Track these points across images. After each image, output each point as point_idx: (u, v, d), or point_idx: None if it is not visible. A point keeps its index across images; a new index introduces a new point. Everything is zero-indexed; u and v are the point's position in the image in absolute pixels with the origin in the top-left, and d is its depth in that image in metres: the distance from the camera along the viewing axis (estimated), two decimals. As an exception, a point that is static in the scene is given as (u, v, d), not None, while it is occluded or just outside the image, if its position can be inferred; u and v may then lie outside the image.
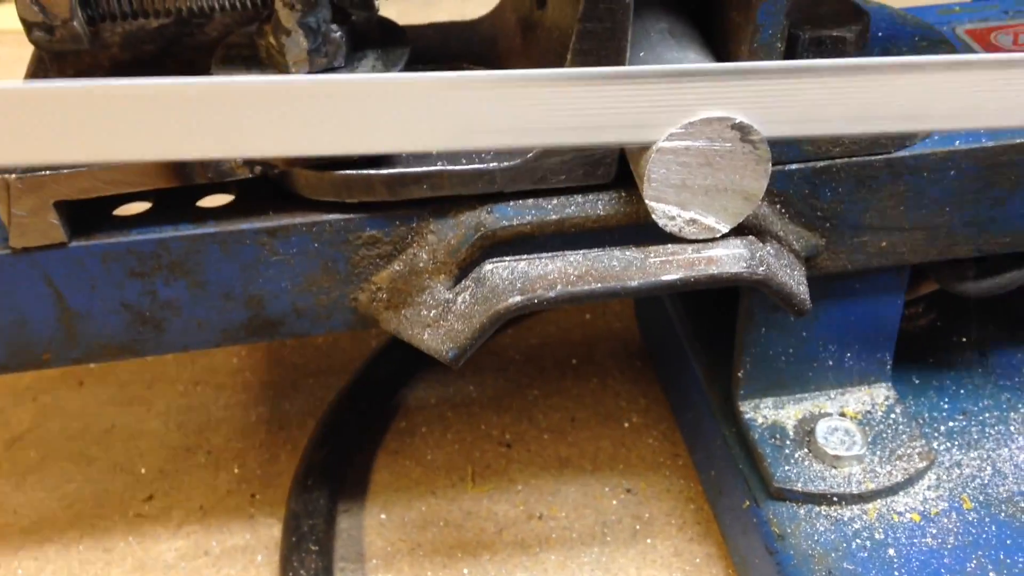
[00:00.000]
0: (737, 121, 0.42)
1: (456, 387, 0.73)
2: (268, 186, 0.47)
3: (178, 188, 0.45)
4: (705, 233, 0.45)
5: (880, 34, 0.53)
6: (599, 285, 0.44)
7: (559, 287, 0.43)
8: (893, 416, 0.58)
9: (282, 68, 0.46)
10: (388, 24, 0.50)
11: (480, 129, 0.40)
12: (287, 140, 0.38)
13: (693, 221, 0.45)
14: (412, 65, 0.50)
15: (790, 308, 0.46)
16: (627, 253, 0.45)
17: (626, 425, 0.70)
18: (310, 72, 0.46)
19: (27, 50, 0.45)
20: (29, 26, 0.43)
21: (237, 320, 0.48)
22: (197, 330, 0.48)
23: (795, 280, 0.46)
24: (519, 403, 0.71)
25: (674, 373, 0.69)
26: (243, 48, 0.48)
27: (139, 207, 0.47)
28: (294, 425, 0.69)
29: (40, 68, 0.48)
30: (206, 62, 0.48)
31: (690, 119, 0.42)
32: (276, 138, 0.38)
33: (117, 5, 0.44)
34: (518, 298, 0.43)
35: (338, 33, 0.46)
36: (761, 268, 0.45)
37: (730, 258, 0.44)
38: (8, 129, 0.36)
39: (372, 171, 0.45)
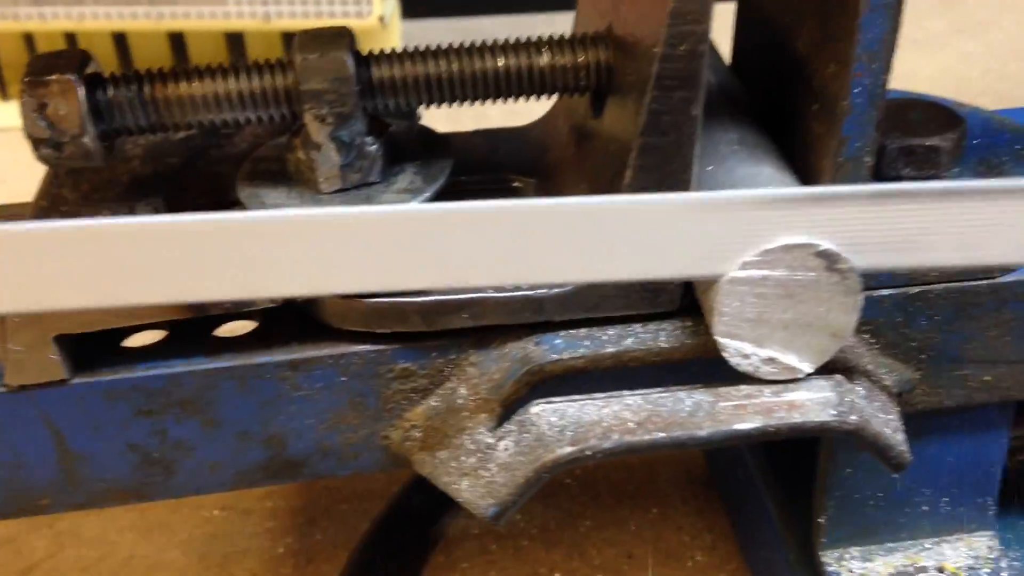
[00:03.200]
0: (822, 248, 0.37)
1: (502, 516, 0.66)
2: (293, 313, 0.42)
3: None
4: (785, 374, 0.39)
5: (976, 142, 0.48)
6: (663, 434, 0.38)
7: (616, 436, 0.38)
8: (998, 574, 0.50)
9: (312, 184, 0.42)
10: (429, 134, 0.46)
11: (525, 263, 0.35)
12: (303, 279, 0.34)
13: (771, 360, 0.39)
14: (455, 176, 0.46)
15: (886, 462, 0.40)
16: (695, 395, 0.39)
17: (689, 564, 0.63)
18: (342, 188, 0.42)
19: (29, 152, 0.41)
20: (36, 143, 0.39)
21: (254, 461, 0.43)
22: (210, 472, 0.43)
23: (891, 428, 0.40)
24: (570, 536, 0.65)
25: (744, 508, 0.62)
26: (271, 162, 0.44)
27: (152, 336, 0.42)
28: (323, 558, 0.63)
29: (53, 184, 0.44)
30: (233, 175, 0.45)
31: (767, 246, 0.36)
32: (292, 277, 0.34)
33: (133, 120, 0.40)
34: (568, 449, 0.38)
35: (374, 147, 0.42)
36: (852, 416, 0.38)
37: (815, 404, 0.38)
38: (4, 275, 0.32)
39: (406, 299, 0.40)
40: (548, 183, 0.47)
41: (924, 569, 0.51)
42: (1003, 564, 0.51)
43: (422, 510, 0.65)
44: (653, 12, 0.37)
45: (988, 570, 0.51)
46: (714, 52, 0.51)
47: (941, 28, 1.24)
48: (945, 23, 1.25)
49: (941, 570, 0.51)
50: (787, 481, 0.57)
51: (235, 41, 1.05)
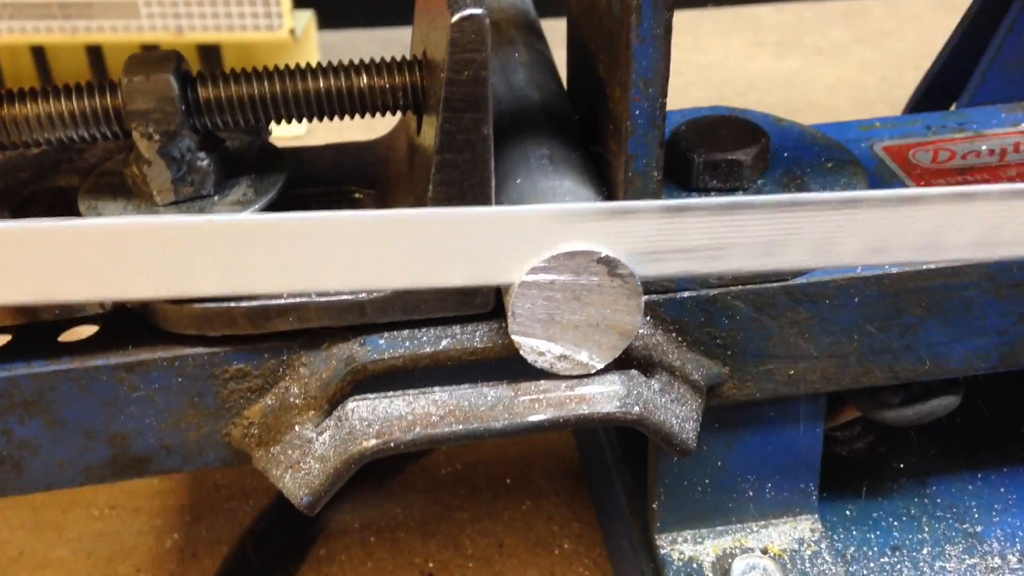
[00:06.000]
0: (602, 255, 0.40)
1: (382, 509, 0.69)
2: (133, 318, 0.45)
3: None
4: (579, 369, 0.42)
5: (786, 154, 0.51)
6: (460, 427, 0.41)
7: (417, 429, 0.41)
8: (820, 555, 0.54)
9: (147, 198, 0.45)
10: (268, 149, 0.49)
11: (319, 271, 0.38)
12: (108, 284, 0.37)
13: (564, 357, 0.42)
14: (294, 188, 0.49)
15: (670, 448, 0.43)
16: (497, 390, 0.42)
17: (556, 552, 0.66)
18: (176, 200, 0.45)
19: None
20: None
21: (100, 458, 0.46)
22: (59, 469, 0.46)
23: (679, 417, 0.43)
24: (447, 527, 0.68)
25: (604, 498, 0.65)
26: (113, 176, 0.47)
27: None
28: (208, 553, 0.66)
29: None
30: (79, 188, 0.47)
31: (552, 253, 0.40)
32: (97, 282, 0.37)
33: (-30, 140, 0.43)
34: (373, 442, 0.41)
35: (205, 162, 0.45)
36: (636, 407, 0.42)
37: (603, 396, 0.42)
38: None
39: (233, 304, 0.43)
40: (386, 195, 0.50)
41: (749, 551, 0.54)
42: (824, 546, 0.54)
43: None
44: (442, 40, 0.40)
45: (811, 552, 0.54)
46: (550, 70, 0.55)
47: (845, 37, 1.29)
48: (849, 33, 1.30)
49: (765, 551, 0.54)
50: (635, 470, 0.60)
51: (152, 53, 1.07)
